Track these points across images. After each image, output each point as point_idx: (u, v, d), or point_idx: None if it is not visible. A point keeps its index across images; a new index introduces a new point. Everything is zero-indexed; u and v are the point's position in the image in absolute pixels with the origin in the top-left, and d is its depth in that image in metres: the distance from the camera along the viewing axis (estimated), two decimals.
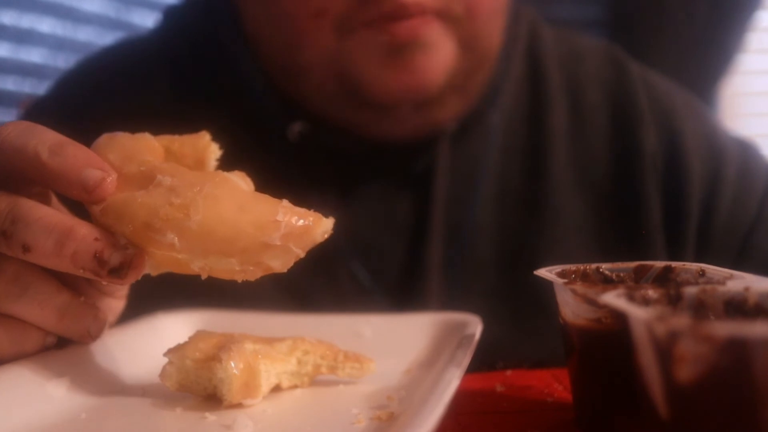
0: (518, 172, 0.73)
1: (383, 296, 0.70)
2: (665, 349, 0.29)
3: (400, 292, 0.70)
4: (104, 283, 0.44)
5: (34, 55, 1.59)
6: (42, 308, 0.44)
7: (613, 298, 0.34)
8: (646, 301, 0.35)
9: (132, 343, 0.52)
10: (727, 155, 0.75)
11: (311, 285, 0.69)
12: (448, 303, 0.69)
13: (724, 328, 0.28)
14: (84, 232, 0.41)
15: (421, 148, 0.72)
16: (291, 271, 0.42)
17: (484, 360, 0.49)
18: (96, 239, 0.40)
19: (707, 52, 1.19)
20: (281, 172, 0.69)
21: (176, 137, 0.49)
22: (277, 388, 0.47)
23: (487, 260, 0.71)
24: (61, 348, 0.47)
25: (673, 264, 0.45)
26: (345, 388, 0.48)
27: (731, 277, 0.40)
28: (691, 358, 0.29)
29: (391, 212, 0.72)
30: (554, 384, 0.51)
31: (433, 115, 0.69)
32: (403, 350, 0.53)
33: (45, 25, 1.59)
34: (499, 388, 0.51)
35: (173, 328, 0.55)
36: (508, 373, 0.54)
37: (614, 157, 0.73)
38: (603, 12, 1.14)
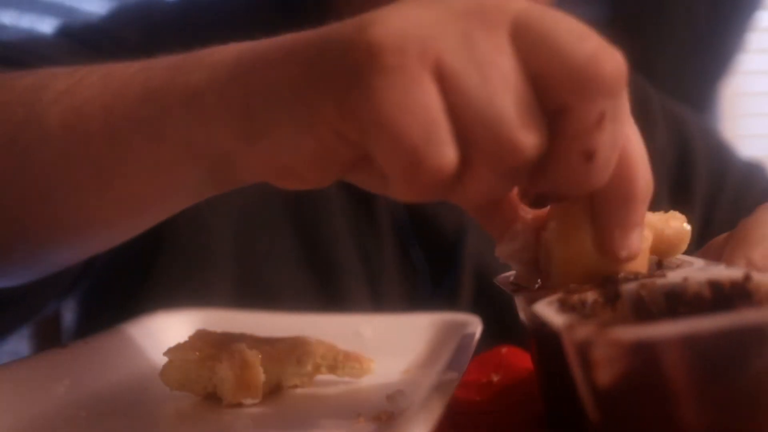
0: None
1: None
2: (584, 355, 0.30)
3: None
4: None
5: None
6: None
7: (542, 307, 0.33)
8: (582, 304, 0.35)
9: (132, 342, 0.52)
10: (731, 165, 0.80)
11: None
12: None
13: (629, 333, 0.28)
14: None
15: None
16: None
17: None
18: None
19: (707, 52, 1.19)
20: None
21: None
22: (276, 388, 0.47)
23: None
24: (62, 347, 0.47)
25: None
26: (345, 388, 0.48)
27: (682, 264, 0.39)
28: (606, 363, 0.29)
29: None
30: None
31: None
32: (402, 350, 0.53)
33: (45, 25, 1.59)
34: (494, 377, 0.50)
35: (173, 327, 0.55)
36: (504, 350, 0.54)
37: None
38: (603, 12, 1.14)
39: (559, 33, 0.30)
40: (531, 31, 0.31)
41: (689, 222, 0.41)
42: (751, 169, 0.80)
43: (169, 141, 0.38)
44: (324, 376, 0.48)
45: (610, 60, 0.31)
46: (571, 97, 0.31)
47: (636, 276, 0.37)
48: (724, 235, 0.44)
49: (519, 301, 0.42)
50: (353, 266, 0.70)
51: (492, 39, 0.30)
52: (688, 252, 0.42)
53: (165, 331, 0.54)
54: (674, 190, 0.74)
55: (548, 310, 0.33)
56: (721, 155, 0.80)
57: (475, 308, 0.58)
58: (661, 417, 0.29)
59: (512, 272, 0.45)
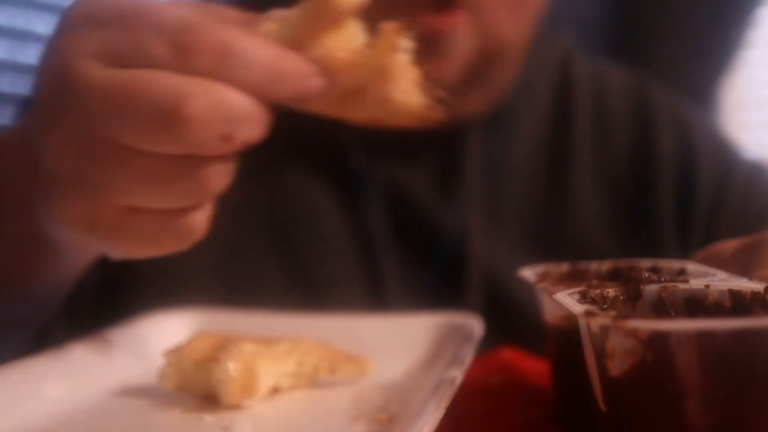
0: (543, 171, 0.77)
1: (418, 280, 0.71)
2: (599, 345, 0.31)
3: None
4: None
5: (29, 56, 1.58)
6: None
7: (563, 296, 0.35)
8: (604, 300, 0.36)
9: (130, 343, 0.52)
10: (736, 168, 0.80)
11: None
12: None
13: (646, 324, 0.29)
14: None
15: (450, 139, 0.73)
16: None
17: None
18: None
19: (708, 51, 1.20)
20: None
21: None
22: (275, 390, 0.46)
23: (512, 250, 0.73)
24: (59, 348, 0.47)
25: (660, 263, 0.46)
26: (344, 389, 0.48)
27: (705, 274, 0.40)
28: (620, 353, 0.30)
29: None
30: None
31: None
32: (402, 351, 0.52)
33: (40, 24, 1.59)
34: (495, 379, 0.50)
35: (172, 328, 0.54)
36: (505, 352, 0.54)
37: (634, 160, 0.78)
38: (603, 12, 1.14)
39: None
40: None
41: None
42: (756, 171, 0.80)
43: None
44: (323, 378, 0.48)
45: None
46: None
47: (658, 278, 0.38)
48: (732, 242, 0.45)
49: (541, 294, 0.43)
50: (351, 278, 0.69)
51: None
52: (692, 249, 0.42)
53: (164, 333, 0.53)
54: (679, 193, 0.75)
55: (569, 299, 0.34)
56: (726, 158, 0.80)
57: (482, 312, 0.58)
58: (668, 411, 0.29)
59: (533, 267, 0.46)
